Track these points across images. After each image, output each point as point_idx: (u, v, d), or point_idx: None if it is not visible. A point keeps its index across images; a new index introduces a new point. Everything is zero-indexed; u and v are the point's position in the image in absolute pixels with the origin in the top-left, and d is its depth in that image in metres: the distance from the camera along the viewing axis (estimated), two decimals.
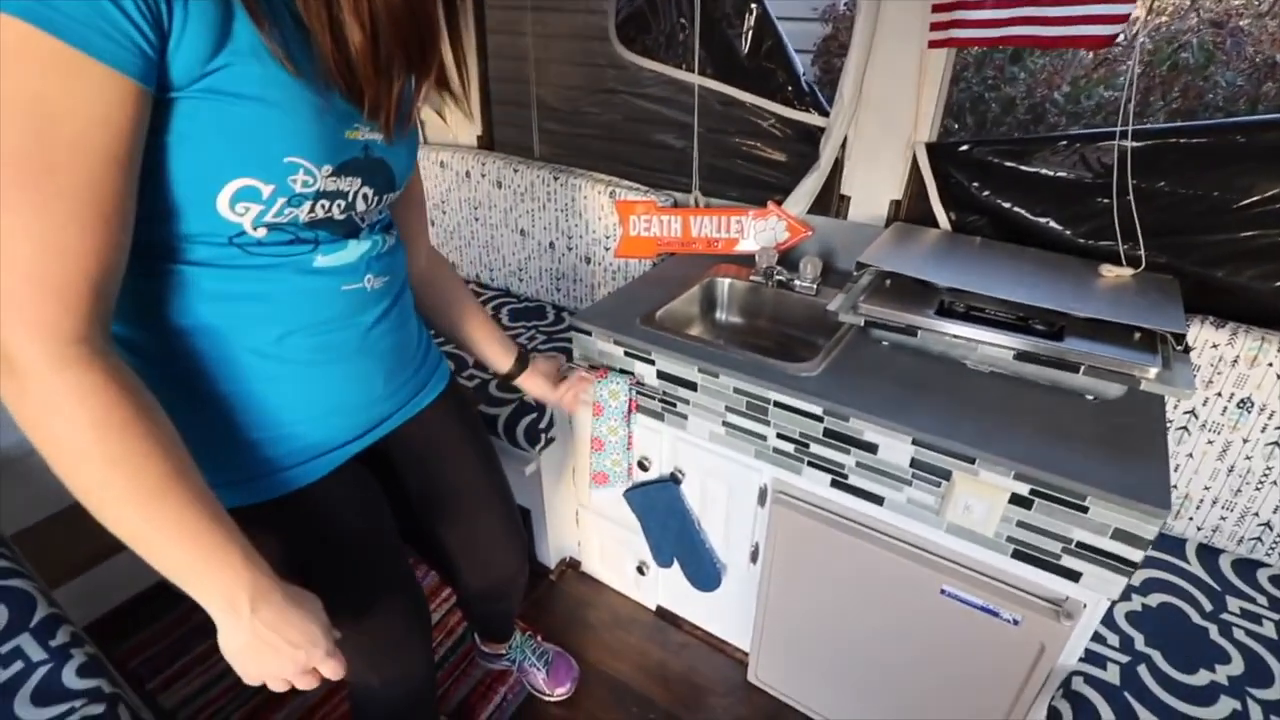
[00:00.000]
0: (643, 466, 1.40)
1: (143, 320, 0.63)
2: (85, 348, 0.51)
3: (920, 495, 1.06)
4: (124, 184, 0.51)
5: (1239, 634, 1.14)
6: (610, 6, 1.71)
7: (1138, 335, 1.08)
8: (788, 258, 1.55)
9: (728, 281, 1.55)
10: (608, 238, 1.81)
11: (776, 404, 1.14)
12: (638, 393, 1.31)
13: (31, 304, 0.48)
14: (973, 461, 0.99)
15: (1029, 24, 1.25)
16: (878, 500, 1.11)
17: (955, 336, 1.13)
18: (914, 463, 1.05)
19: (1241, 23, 1.99)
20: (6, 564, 1.17)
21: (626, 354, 1.30)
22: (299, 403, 0.73)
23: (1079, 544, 0.96)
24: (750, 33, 1.55)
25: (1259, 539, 1.28)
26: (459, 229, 2.11)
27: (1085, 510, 0.93)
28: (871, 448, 1.08)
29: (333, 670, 0.67)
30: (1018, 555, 1.02)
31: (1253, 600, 1.20)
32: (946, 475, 1.02)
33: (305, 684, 0.65)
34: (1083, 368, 1.04)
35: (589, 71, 1.96)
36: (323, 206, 0.65)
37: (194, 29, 0.51)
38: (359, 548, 0.83)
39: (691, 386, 1.24)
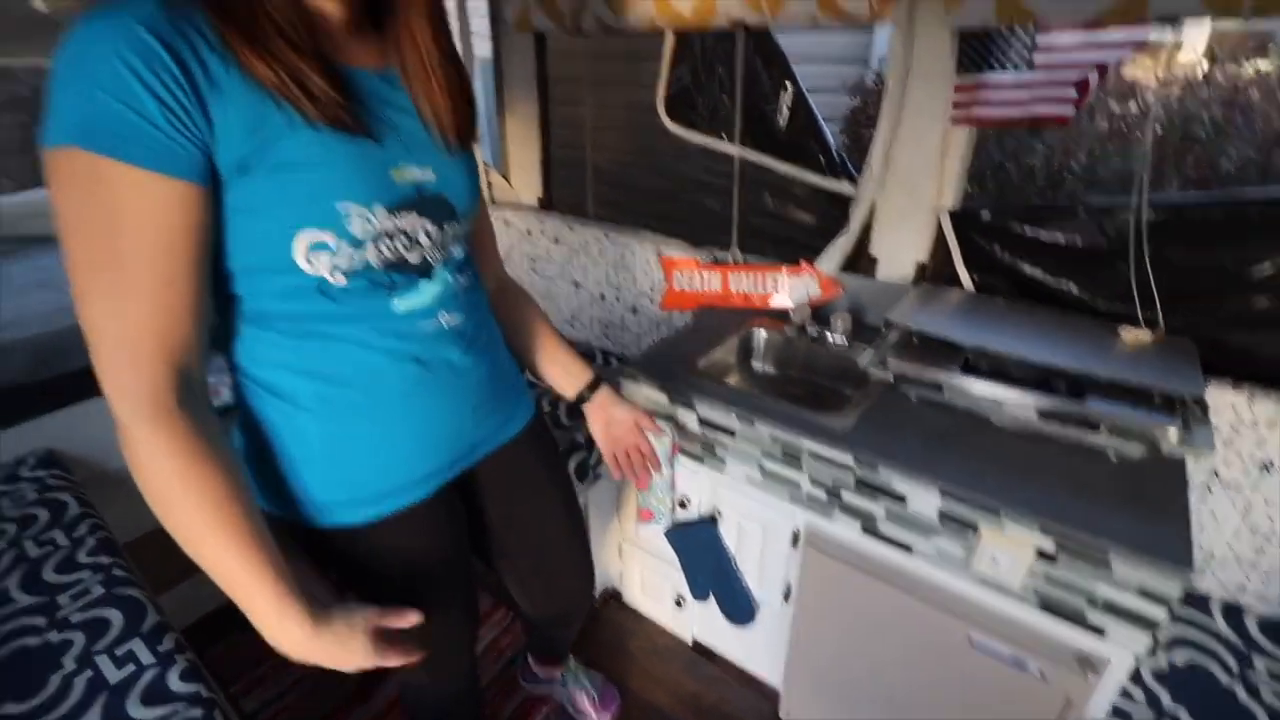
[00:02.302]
0: (683, 505, 1.41)
1: (257, 364, 0.69)
2: (161, 406, 0.57)
3: (948, 546, 1.05)
4: (187, 267, 0.56)
5: (1267, 695, 1.08)
6: (660, 84, 1.79)
7: (1158, 397, 1.06)
8: (820, 313, 1.56)
9: (764, 333, 1.57)
10: (653, 290, 1.86)
11: (810, 453, 1.15)
12: (680, 436, 1.34)
13: (117, 372, 0.55)
14: (998, 514, 0.98)
15: (1035, 104, 1.27)
16: (906, 548, 1.11)
17: (980, 394, 1.13)
18: (942, 514, 1.04)
19: (1252, 96, 1.97)
20: (122, 573, 1.24)
21: (671, 400, 1.32)
22: (391, 436, 0.75)
23: (1104, 600, 0.94)
24: (786, 109, 1.60)
25: None
26: (520, 280, 2.18)
27: (1109, 567, 0.91)
28: (901, 498, 1.07)
29: (388, 661, 0.71)
30: (1044, 608, 1.00)
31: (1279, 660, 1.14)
32: (974, 527, 1.01)
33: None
34: (1104, 427, 1.03)
35: (639, 141, 2.03)
36: (388, 247, 0.67)
37: (231, 123, 0.55)
38: (435, 572, 0.85)
39: (730, 433, 1.25)
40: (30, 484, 1.51)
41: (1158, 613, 0.90)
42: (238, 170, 0.57)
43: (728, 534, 1.37)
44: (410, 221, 0.68)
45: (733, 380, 1.54)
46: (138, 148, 0.51)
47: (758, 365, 1.60)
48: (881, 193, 1.48)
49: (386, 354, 0.71)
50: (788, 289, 1.62)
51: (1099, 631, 0.96)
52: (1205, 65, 2.09)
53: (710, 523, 1.37)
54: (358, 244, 0.64)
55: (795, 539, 1.26)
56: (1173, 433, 0.98)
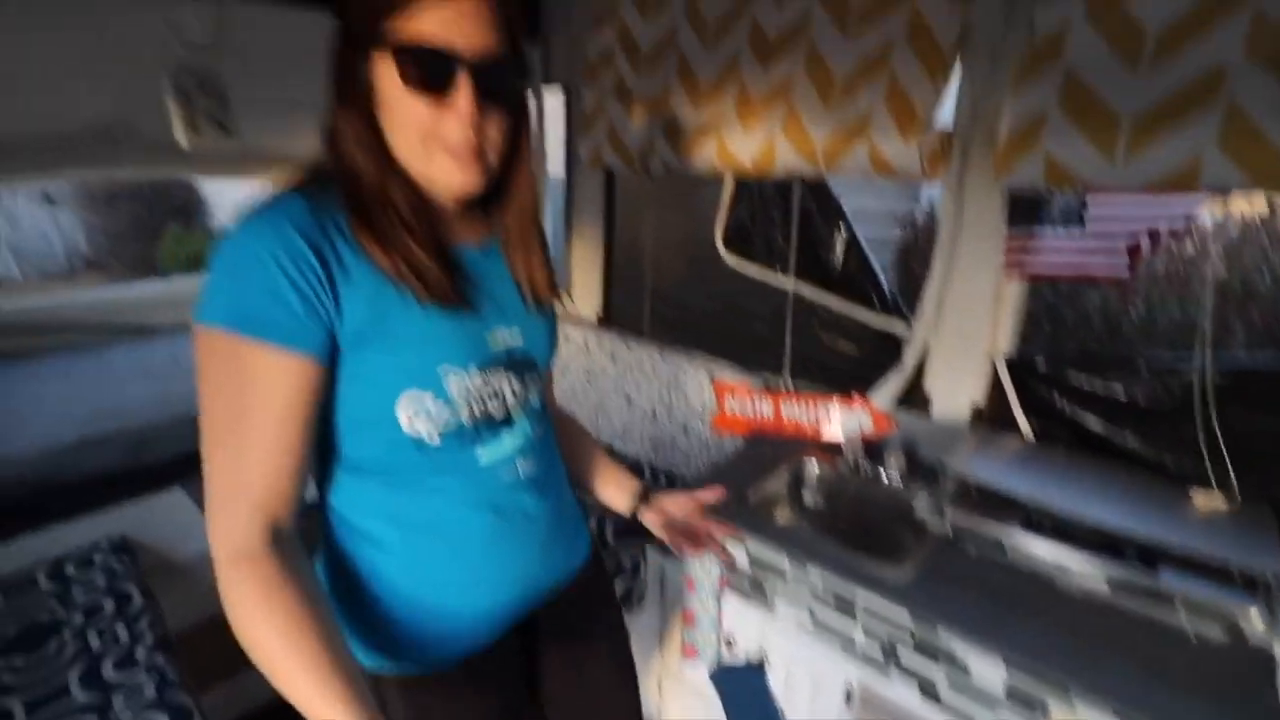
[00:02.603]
0: (729, 645, 1.37)
1: (348, 508, 0.73)
2: (253, 550, 0.61)
3: None
4: (298, 431, 0.62)
5: None
6: (719, 220, 1.90)
7: (1237, 574, 1.01)
8: (873, 449, 1.55)
9: (816, 467, 1.57)
10: (704, 411, 1.89)
11: (865, 606, 1.12)
12: (729, 571, 1.32)
13: (222, 519, 0.61)
14: (1069, 693, 0.92)
15: (1088, 263, 1.30)
16: None
17: (1045, 556, 1.09)
18: (1008, 688, 0.98)
19: None
20: (174, 676, 1.26)
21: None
22: (469, 582, 0.77)
23: None
24: (840, 250, 1.67)
25: None
26: (575, 392, 2.26)
27: None
28: (963, 664, 1.02)
29: None
30: None
31: None
32: (1043, 706, 0.95)
33: None
34: (1180, 603, 0.98)
35: (696, 267, 2.13)
36: (478, 403, 0.72)
37: (355, 303, 0.63)
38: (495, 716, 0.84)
39: (780, 574, 1.23)
40: (101, 571, 1.59)
41: None
42: (355, 342, 0.64)
43: (775, 681, 1.32)
44: (498, 379, 0.74)
45: (783, 514, 1.53)
46: (275, 329, 0.59)
47: (809, 499, 1.58)
48: (935, 335, 1.51)
49: (470, 504, 0.75)
50: (839, 421, 1.63)
51: None
52: (1265, 214, 2.10)
53: (758, 668, 1.32)
54: (452, 403, 0.70)
55: (849, 696, 1.20)
56: (1255, 617, 0.92)
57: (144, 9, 1.51)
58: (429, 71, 0.61)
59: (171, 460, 1.87)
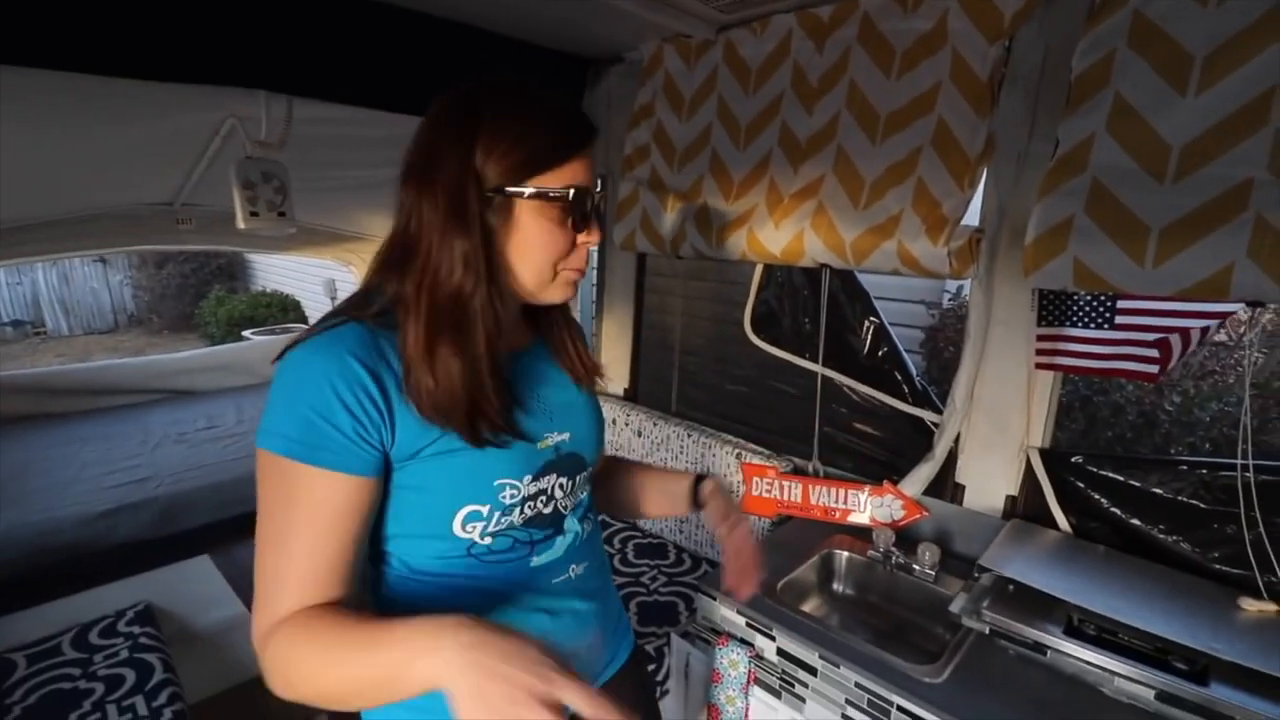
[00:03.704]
0: None
1: (395, 609, 0.73)
2: (281, 621, 0.63)
3: None
4: (344, 542, 0.65)
5: None
6: (748, 304, 1.96)
7: None
8: (904, 538, 1.54)
9: (846, 555, 1.55)
10: (732, 492, 1.89)
11: (900, 707, 1.09)
12: (757, 665, 1.29)
13: (268, 611, 0.63)
14: None
15: (1118, 360, 1.32)
16: None
17: (1087, 662, 1.06)
18: None
19: None
20: None
21: (748, 624, 1.30)
22: None
23: None
24: (868, 338, 1.71)
25: None
26: None
27: None
28: None
29: (576, 694, 0.52)
30: None
31: None
32: None
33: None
34: None
35: (724, 347, 2.18)
36: (530, 507, 0.75)
37: (411, 424, 0.66)
38: None
39: (811, 670, 1.21)
40: (124, 640, 1.60)
41: None
42: (409, 456, 0.67)
43: None
44: (549, 481, 0.77)
45: (812, 603, 1.51)
46: (330, 455, 0.63)
47: (839, 587, 1.56)
48: (967, 425, 1.52)
49: (522, 607, 0.76)
50: (869, 507, 1.62)
51: None
52: None
53: None
54: (507, 510, 0.72)
55: None
56: None
57: (215, 105, 1.65)
58: (582, 213, 0.71)
59: (200, 528, 1.90)
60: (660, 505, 1.03)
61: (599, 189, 0.73)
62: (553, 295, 0.75)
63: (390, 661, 0.55)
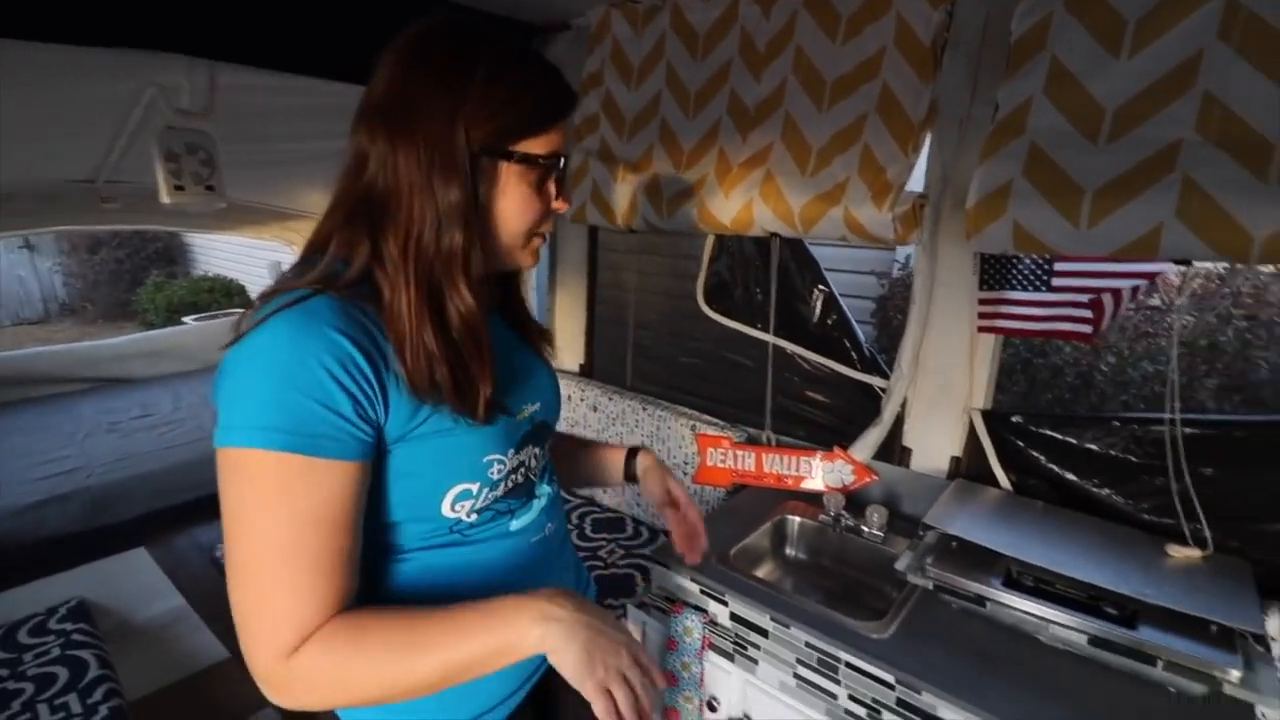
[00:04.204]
0: (711, 707, 1.34)
1: (380, 588, 0.70)
2: (301, 645, 0.58)
3: None
4: (348, 542, 0.60)
5: None
6: (700, 275, 1.95)
7: (1215, 628, 1.02)
8: (854, 501, 1.56)
9: (798, 521, 1.57)
10: (686, 464, 1.89)
11: (848, 664, 1.11)
12: (711, 630, 1.30)
13: (277, 637, 0.57)
14: None
15: (1055, 321, 1.36)
16: None
17: (1025, 612, 1.10)
18: None
19: (1272, 300, 2.04)
20: None
21: (702, 592, 1.31)
22: None
23: None
24: (818, 307, 1.72)
25: None
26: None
27: None
28: None
29: (649, 660, 0.62)
30: None
31: None
32: None
33: (638, 679, 0.60)
34: (1161, 662, 0.99)
35: (678, 320, 2.17)
36: (512, 479, 0.74)
37: (396, 407, 0.62)
38: None
39: (763, 633, 1.22)
40: (56, 638, 1.52)
41: None
42: (401, 438, 0.63)
43: None
44: (527, 453, 0.77)
45: (765, 568, 1.52)
46: (330, 443, 0.56)
47: (791, 552, 1.58)
48: (913, 389, 1.55)
49: (501, 573, 0.75)
50: (821, 473, 1.64)
51: None
52: (1225, 271, 2.19)
53: None
54: (494, 485, 0.71)
55: None
56: (1235, 674, 0.93)
57: (135, 73, 1.55)
58: (559, 178, 0.70)
59: (135, 519, 1.82)
60: (596, 478, 1.06)
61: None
62: (523, 260, 0.73)
63: (499, 639, 0.58)
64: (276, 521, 0.56)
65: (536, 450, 0.79)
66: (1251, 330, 1.99)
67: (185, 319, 3.87)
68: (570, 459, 1.04)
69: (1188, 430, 1.24)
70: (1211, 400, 2.01)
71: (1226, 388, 1.98)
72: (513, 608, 0.59)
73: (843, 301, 1.72)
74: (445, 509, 0.68)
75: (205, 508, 1.76)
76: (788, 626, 1.17)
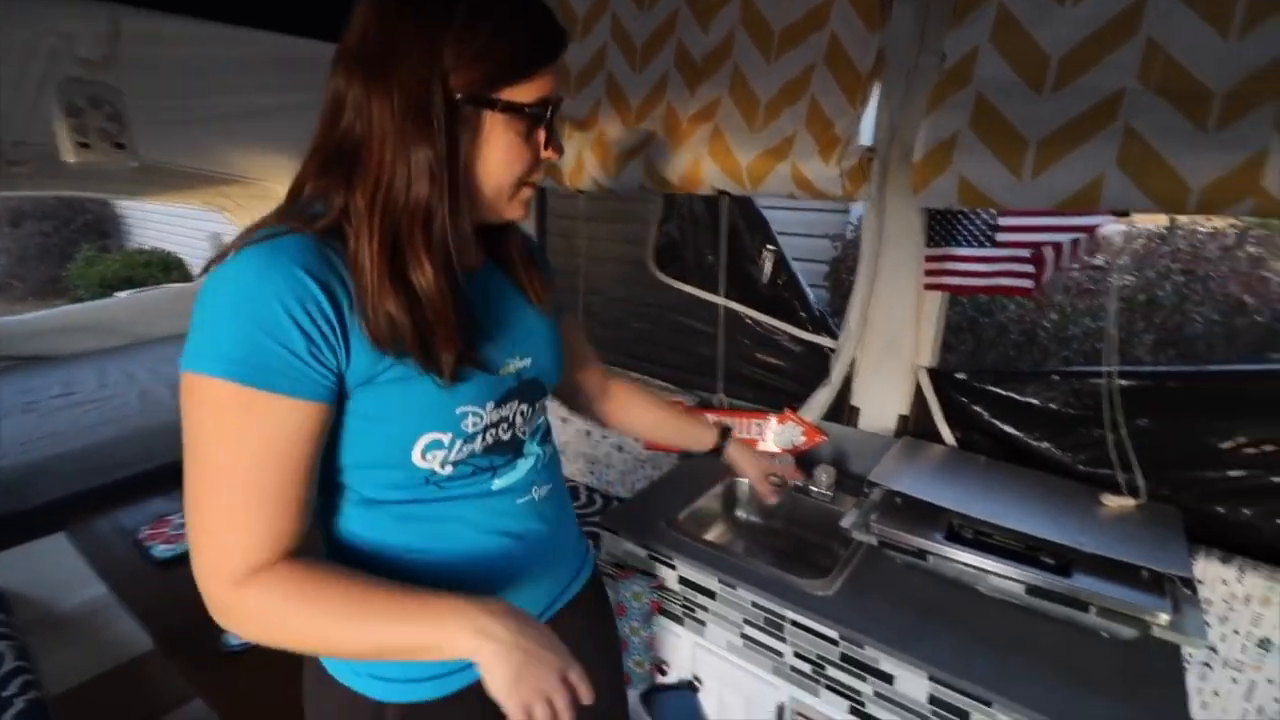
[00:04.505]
0: (661, 670, 1.34)
1: (353, 539, 0.69)
2: (254, 578, 0.58)
3: None
4: (300, 475, 0.59)
5: None
6: (650, 237, 1.90)
7: (1146, 573, 1.04)
8: (804, 461, 1.56)
9: (748, 482, 1.56)
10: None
11: (793, 622, 1.10)
12: (660, 594, 1.29)
13: (218, 561, 0.58)
14: (990, 706, 0.93)
15: (999, 277, 1.36)
16: None
17: (965, 564, 1.11)
18: (932, 699, 0.98)
19: (1208, 256, 2.09)
20: None
21: (650, 556, 1.29)
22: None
23: None
24: (768, 268, 1.69)
25: None
26: None
27: None
28: (888, 678, 1.02)
29: (579, 676, 0.61)
30: None
31: None
32: (965, 716, 0.96)
33: (561, 700, 0.60)
34: (1093, 608, 1.00)
35: (630, 285, 2.12)
36: (491, 434, 0.71)
37: (359, 352, 0.60)
38: None
39: (710, 595, 1.21)
40: None
41: None
42: (364, 381, 0.61)
43: (708, 704, 1.29)
44: (512, 408, 0.73)
45: (716, 531, 1.51)
46: (283, 379, 0.56)
47: (741, 514, 1.57)
48: (861, 348, 1.54)
49: (483, 531, 0.73)
50: (772, 436, 1.63)
51: None
52: (1165, 228, 2.24)
53: (690, 691, 1.29)
54: (469, 438, 0.68)
55: (780, 715, 1.18)
56: (1163, 617, 0.95)
57: (30, 20, 1.40)
58: (548, 126, 0.66)
59: (54, 503, 1.71)
60: (677, 442, 1.13)
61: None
62: (512, 212, 0.70)
63: (432, 635, 0.58)
64: (224, 450, 0.56)
65: (524, 407, 0.75)
66: (1188, 285, 2.04)
67: (120, 294, 3.65)
68: (648, 407, 1.08)
69: (1124, 383, 1.26)
70: (1148, 354, 2.07)
71: (1163, 342, 2.04)
72: (454, 612, 0.59)
73: (794, 264, 1.70)
74: (416, 458, 0.65)
75: (130, 489, 1.66)
76: (734, 588, 1.16)
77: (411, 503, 0.68)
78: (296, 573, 0.59)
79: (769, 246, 1.69)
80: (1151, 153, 1.06)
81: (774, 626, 1.13)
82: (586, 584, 0.91)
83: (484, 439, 0.69)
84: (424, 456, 0.65)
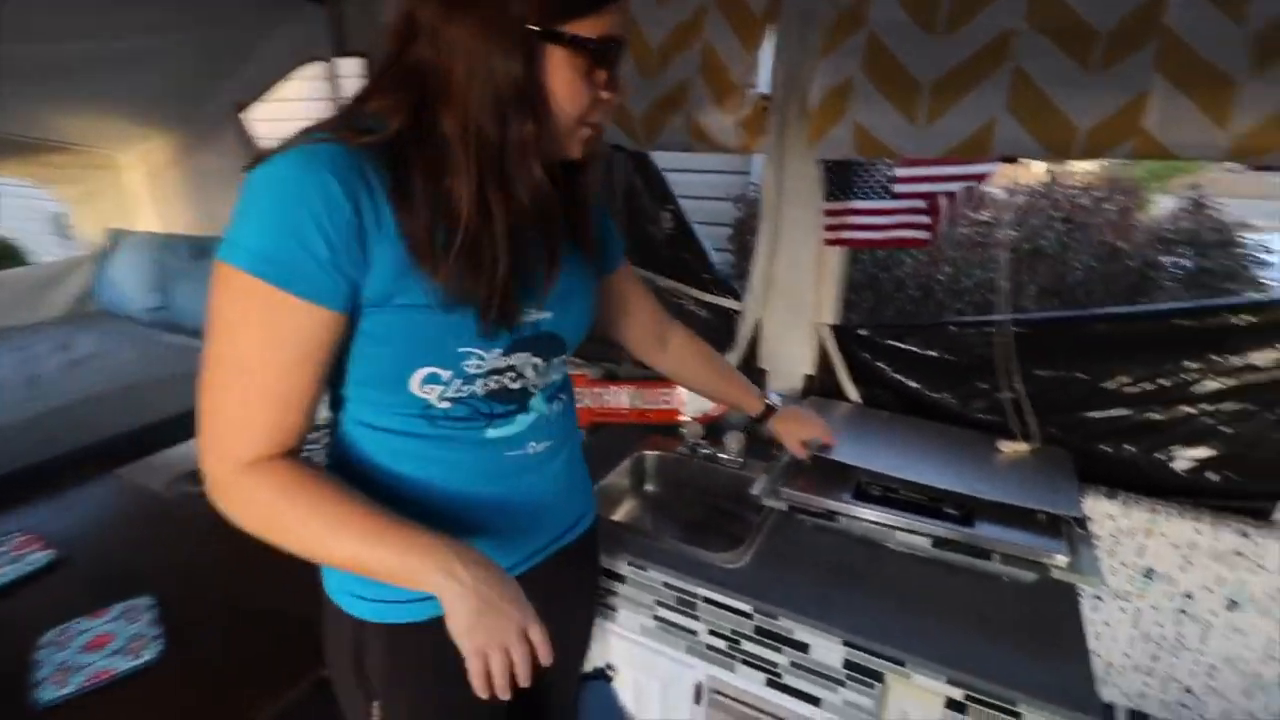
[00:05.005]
0: None
1: (352, 462, 0.71)
2: (256, 465, 0.61)
3: (856, 698, 0.97)
4: (311, 376, 0.61)
5: None
6: None
7: (1042, 516, 1.06)
8: (713, 429, 1.51)
9: (656, 455, 1.49)
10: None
11: (706, 599, 1.05)
12: None
13: (226, 442, 0.61)
14: (904, 665, 0.91)
15: (897, 229, 1.34)
16: (814, 701, 1.01)
17: (873, 522, 1.09)
18: (847, 663, 0.96)
19: (1082, 203, 2.20)
20: None
21: None
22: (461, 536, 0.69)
23: None
24: (668, 228, 1.61)
25: (1183, 704, 1.22)
26: None
27: (1019, 716, 0.85)
28: (803, 647, 0.99)
29: (540, 637, 0.62)
30: None
31: None
32: (880, 678, 0.94)
33: (519, 653, 0.61)
34: (996, 555, 1.01)
35: None
36: (495, 380, 0.70)
37: (385, 262, 0.60)
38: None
39: (619, 579, 1.14)
40: None
41: None
42: (379, 303, 0.62)
43: (624, 692, 1.23)
44: (521, 359, 0.72)
45: (625, 509, 1.44)
46: (302, 282, 0.57)
47: (651, 488, 1.51)
48: (765, 309, 1.49)
49: (473, 476, 0.73)
50: (680, 403, 1.57)
51: None
52: (1046, 181, 2.34)
53: (604, 679, 1.22)
54: (470, 379, 0.68)
55: (698, 694, 1.13)
56: (1061, 560, 0.96)
57: None
58: (614, 65, 0.65)
59: None
60: (723, 400, 1.17)
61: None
62: (573, 150, 0.69)
63: (401, 563, 0.60)
64: (242, 341, 0.59)
65: (537, 361, 0.74)
66: (1069, 235, 2.15)
67: None
68: (702, 362, 1.10)
69: (1015, 330, 1.27)
70: (1034, 303, 2.17)
71: (1048, 290, 2.14)
72: (427, 547, 0.61)
73: (703, 230, 1.62)
74: (414, 386, 0.66)
75: None
76: (644, 569, 1.10)
77: (404, 434, 0.69)
78: (296, 471, 0.62)
79: (668, 206, 1.60)
80: (1040, 96, 1.05)
81: (687, 605, 1.07)
82: (580, 537, 0.90)
83: (486, 383, 0.70)
84: (421, 387, 0.66)
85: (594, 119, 0.67)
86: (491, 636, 0.60)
